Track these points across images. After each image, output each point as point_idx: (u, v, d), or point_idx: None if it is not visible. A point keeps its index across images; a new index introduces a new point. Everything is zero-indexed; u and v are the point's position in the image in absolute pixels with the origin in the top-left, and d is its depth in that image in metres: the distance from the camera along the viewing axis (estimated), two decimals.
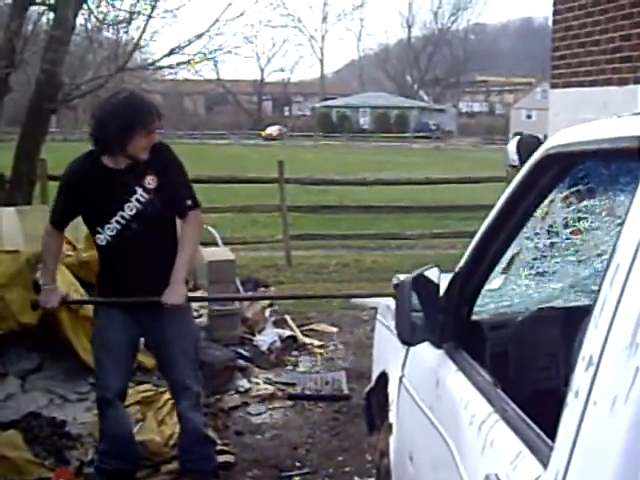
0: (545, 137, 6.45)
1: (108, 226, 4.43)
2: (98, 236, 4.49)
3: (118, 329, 4.61)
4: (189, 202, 4.58)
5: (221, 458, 5.27)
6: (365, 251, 14.29)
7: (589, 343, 1.60)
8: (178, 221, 4.66)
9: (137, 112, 4.34)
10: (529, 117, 66.50)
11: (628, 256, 1.56)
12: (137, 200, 4.42)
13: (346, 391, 6.78)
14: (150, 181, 4.44)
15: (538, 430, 1.88)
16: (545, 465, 1.69)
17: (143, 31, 15.22)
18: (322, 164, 33.34)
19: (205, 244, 9.01)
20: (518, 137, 17.08)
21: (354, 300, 8.92)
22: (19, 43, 14.21)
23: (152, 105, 4.53)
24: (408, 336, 2.75)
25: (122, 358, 4.69)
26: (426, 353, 2.88)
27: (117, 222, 4.42)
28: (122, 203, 4.41)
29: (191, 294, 7.01)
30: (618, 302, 1.54)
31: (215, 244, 9.15)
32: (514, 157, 15.62)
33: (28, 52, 15.02)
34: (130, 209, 4.41)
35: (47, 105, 13.41)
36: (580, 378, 1.60)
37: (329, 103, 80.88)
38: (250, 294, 8.21)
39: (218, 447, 5.36)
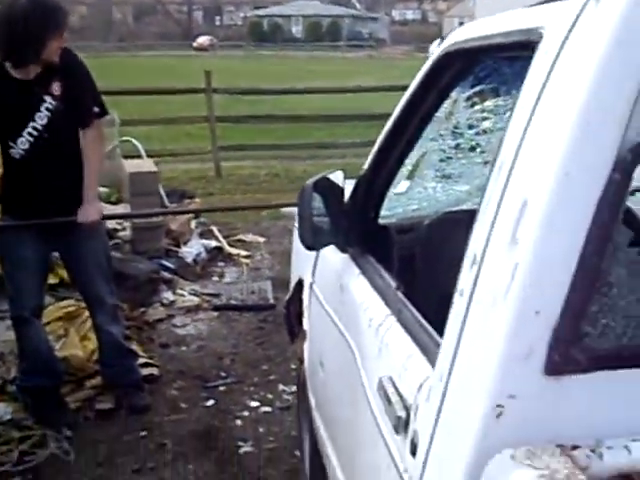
0: None
1: (21, 139, 4.29)
2: (11, 151, 4.34)
3: (28, 246, 4.47)
4: (96, 109, 4.46)
5: (146, 371, 5.27)
6: (296, 161, 14.21)
7: (473, 242, 1.58)
8: None
9: (48, 11, 4.16)
10: (461, 24, 66.21)
11: (510, 153, 1.53)
12: (47, 109, 4.28)
13: (271, 300, 6.80)
14: (57, 87, 4.29)
15: (432, 332, 1.87)
16: (434, 365, 1.69)
17: None
18: (254, 74, 32.89)
19: (128, 157, 8.88)
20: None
21: (284, 209, 8.89)
22: None
23: (59, 4, 4.32)
24: (310, 240, 2.71)
25: (35, 275, 4.58)
26: (332, 258, 2.85)
27: (29, 134, 4.29)
28: (32, 113, 4.27)
29: (113, 208, 6.96)
30: (500, 199, 1.52)
31: (139, 156, 9.01)
32: None
33: None
34: (41, 118, 4.27)
35: None
36: (465, 277, 1.58)
37: (261, 12, 79.75)
38: (170, 209, 8.10)
39: (143, 360, 5.37)
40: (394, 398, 1.83)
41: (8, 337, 5.44)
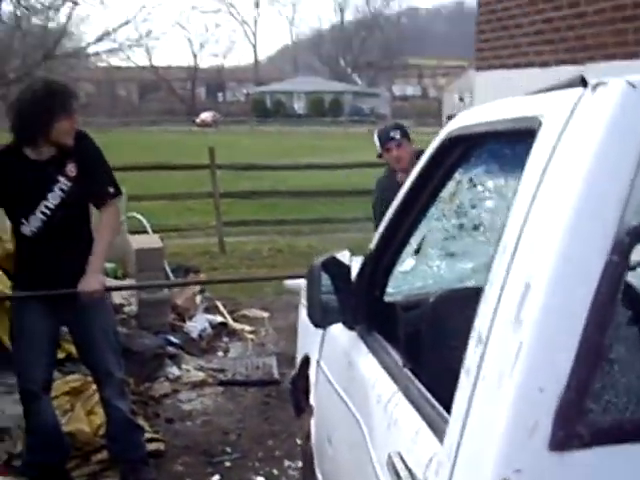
0: None
1: (33, 217, 4.39)
2: (23, 227, 4.43)
3: (37, 320, 4.53)
4: (111, 189, 4.57)
5: (151, 446, 5.26)
6: (299, 236, 14.30)
7: (479, 320, 1.64)
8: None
9: (55, 94, 4.31)
10: (461, 100, 66.78)
11: (514, 235, 1.61)
12: (60, 189, 4.39)
13: (276, 376, 6.81)
14: (72, 169, 4.40)
15: (439, 408, 1.92)
16: (442, 441, 1.73)
17: (69, 18, 15.07)
18: (257, 150, 33.22)
19: (134, 232, 8.97)
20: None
21: (287, 284, 8.92)
22: None
23: (68, 86, 4.51)
24: (319, 318, 2.77)
25: (44, 349, 4.62)
26: (340, 335, 2.90)
27: (42, 212, 4.38)
28: (45, 193, 4.37)
29: (119, 283, 7.02)
30: (504, 280, 1.58)
31: (144, 232, 9.10)
32: None
33: None
34: (54, 198, 4.38)
35: None
36: (471, 356, 1.64)
37: (263, 89, 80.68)
38: (172, 281, 8.16)
39: (148, 435, 5.36)
40: (403, 473, 1.87)
41: (15, 411, 5.46)
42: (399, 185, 2.75)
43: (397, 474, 1.90)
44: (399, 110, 78.03)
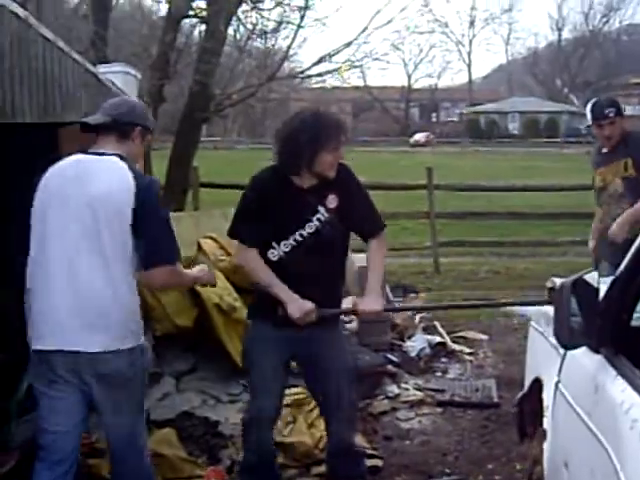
0: None
1: (284, 242, 4.36)
2: (272, 251, 4.38)
3: (270, 350, 4.50)
4: (381, 223, 4.58)
5: (369, 462, 5.25)
6: (515, 258, 14.10)
7: None
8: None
9: (324, 126, 4.29)
10: None
11: None
12: (318, 219, 4.35)
13: (496, 399, 6.71)
14: (332, 200, 4.38)
15: None
16: None
17: (292, 40, 15.45)
18: (470, 170, 32.99)
19: (353, 251, 9.08)
20: None
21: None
22: (173, 55, 14.71)
23: (339, 120, 4.47)
24: (567, 340, 2.72)
25: (276, 380, 4.60)
26: (584, 358, 2.83)
27: (294, 240, 4.35)
28: (304, 222, 4.35)
29: None
30: None
31: (363, 251, 9.19)
32: None
33: (181, 64, 15.53)
34: (310, 228, 4.34)
35: (199, 115, 13.81)
36: None
37: (477, 109, 79.98)
38: (422, 305, 8.20)
39: (367, 452, 5.36)
40: None
41: (238, 419, 5.61)
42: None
43: None
44: None
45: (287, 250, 4.37)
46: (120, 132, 3.92)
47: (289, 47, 15.98)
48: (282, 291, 4.31)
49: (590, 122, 6.14)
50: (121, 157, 3.83)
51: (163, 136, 23.49)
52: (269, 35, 16.36)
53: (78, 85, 5.77)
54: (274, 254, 4.38)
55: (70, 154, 3.92)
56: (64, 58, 5.58)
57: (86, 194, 3.71)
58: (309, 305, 4.29)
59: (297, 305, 4.28)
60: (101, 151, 3.87)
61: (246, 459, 4.78)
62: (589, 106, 6.12)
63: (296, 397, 5.78)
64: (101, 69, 6.44)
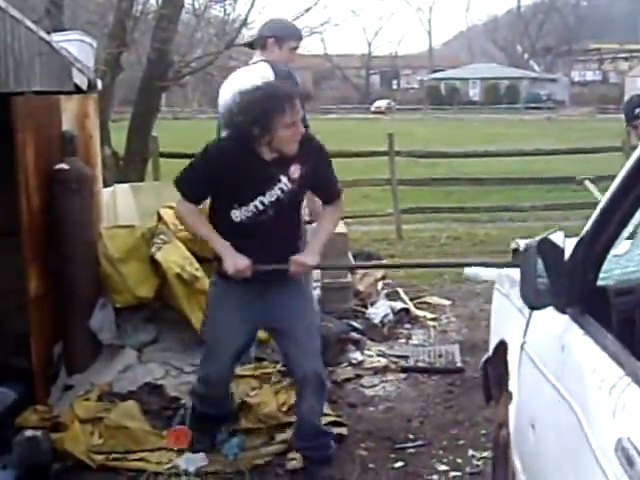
0: None
1: (245, 207, 4.40)
2: (233, 212, 4.41)
3: (236, 313, 4.61)
4: (340, 190, 4.67)
5: (334, 430, 5.26)
6: (477, 224, 14.15)
7: None
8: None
9: (274, 107, 4.23)
10: None
11: None
12: (280, 189, 4.39)
13: (459, 364, 6.72)
14: (295, 171, 4.40)
15: None
16: None
17: (251, 7, 15.33)
18: (432, 137, 33.04)
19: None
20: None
21: (466, 273, 8.82)
22: (130, 23, 14.52)
23: (288, 94, 4.35)
24: (534, 301, 2.72)
25: (234, 345, 4.72)
26: (550, 319, 2.81)
27: (255, 206, 4.39)
28: (265, 190, 4.39)
29: None
30: None
31: None
32: None
33: (139, 32, 15.34)
34: (271, 196, 4.39)
35: (158, 83, 13.67)
36: None
37: (438, 75, 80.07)
38: (366, 263, 8.23)
39: (331, 419, 5.38)
40: (637, 459, 1.80)
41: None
42: None
43: (629, 460, 1.83)
44: (578, 96, 75.99)
45: (248, 215, 4.42)
46: None
47: (247, 14, 15.86)
48: (219, 245, 4.45)
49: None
50: None
51: (121, 107, 23.26)
52: (227, 2, 16.23)
53: (32, 54, 5.64)
54: (236, 215, 4.43)
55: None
56: (17, 26, 5.43)
57: None
58: (244, 261, 4.37)
59: (232, 260, 4.37)
60: None
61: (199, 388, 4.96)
62: (623, 106, 6.70)
63: (265, 371, 5.77)
64: (56, 37, 6.28)
